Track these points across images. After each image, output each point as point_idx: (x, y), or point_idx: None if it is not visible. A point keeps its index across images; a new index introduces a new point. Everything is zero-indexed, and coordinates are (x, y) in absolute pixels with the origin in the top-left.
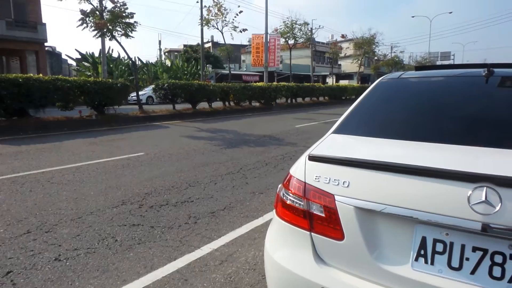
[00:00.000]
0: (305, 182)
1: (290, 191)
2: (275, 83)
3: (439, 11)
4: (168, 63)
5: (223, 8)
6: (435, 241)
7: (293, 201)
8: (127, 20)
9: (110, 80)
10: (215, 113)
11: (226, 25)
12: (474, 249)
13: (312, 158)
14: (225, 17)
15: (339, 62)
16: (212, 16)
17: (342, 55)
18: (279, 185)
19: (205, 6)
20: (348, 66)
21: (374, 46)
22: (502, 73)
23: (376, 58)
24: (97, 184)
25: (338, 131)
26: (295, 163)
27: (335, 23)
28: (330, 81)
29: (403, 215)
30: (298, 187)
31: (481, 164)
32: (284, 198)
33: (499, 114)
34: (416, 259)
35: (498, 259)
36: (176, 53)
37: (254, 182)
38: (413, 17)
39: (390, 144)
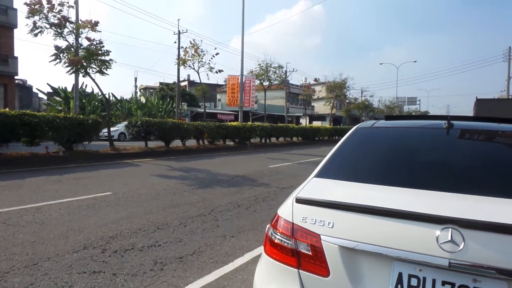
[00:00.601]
0: (293, 223)
1: (278, 231)
2: (249, 122)
3: (405, 59)
4: (143, 100)
5: (200, 50)
6: (410, 276)
7: (281, 240)
8: (103, 58)
9: (81, 116)
10: (188, 152)
11: (203, 66)
12: (444, 283)
13: (299, 200)
14: (202, 58)
15: (312, 104)
16: (188, 56)
17: (315, 97)
18: (268, 225)
19: (182, 47)
20: (321, 107)
21: (345, 90)
22: (460, 126)
23: (347, 101)
24: (58, 226)
25: (320, 175)
26: (283, 204)
27: (309, 67)
28: (304, 122)
29: (382, 254)
30: (286, 227)
31: (446, 207)
32: (272, 237)
33: (459, 162)
34: None
35: None
36: (151, 90)
37: (225, 225)
38: (381, 64)
39: (367, 188)
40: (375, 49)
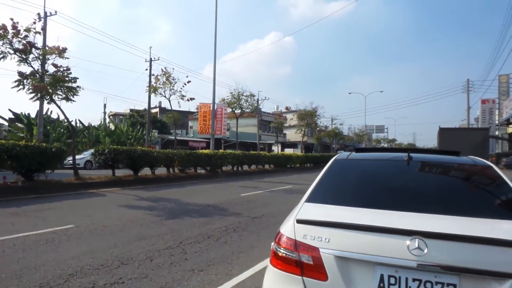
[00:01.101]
0: (295, 240)
1: (281, 246)
2: (221, 150)
3: (372, 89)
4: (112, 126)
5: (172, 78)
6: (389, 276)
7: (285, 253)
8: (70, 85)
9: (44, 144)
10: (158, 180)
11: (174, 94)
12: (414, 280)
13: (300, 221)
14: (173, 86)
15: (284, 132)
16: (160, 84)
17: (287, 125)
18: (272, 243)
19: (153, 74)
20: (292, 135)
21: (316, 118)
22: (417, 158)
23: (318, 129)
24: (12, 264)
25: (310, 200)
26: (284, 223)
27: (280, 95)
28: (276, 149)
29: (368, 260)
30: (289, 243)
31: (412, 223)
32: (277, 251)
33: (418, 188)
34: None
35: (429, 285)
36: (121, 117)
37: (194, 258)
38: (350, 93)
39: (351, 210)
40: (344, 79)
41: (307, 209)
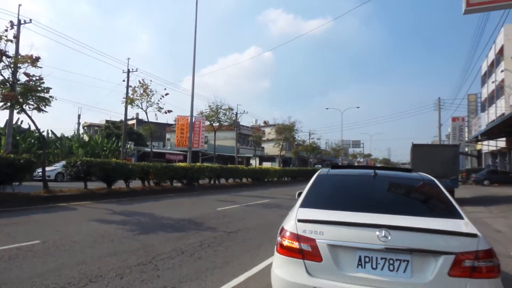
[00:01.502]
0: (297, 234)
1: (286, 239)
2: (198, 163)
3: (349, 104)
4: (86, 138)
5: (149, 90)
6: (365, 257)
7: (290, 244)
8: (42, 95)
9: (12, 155)
10: (132, 194)
11: (151, 106)
12: (381, 258)
13: (300, 220)
14: (150, 98)
15: (262, 145)
16: (137, 96)
17: (265, 138)
18: (278, 237)
19: (131, 86)
20: (270, 149)
21: (294, 133)
22: (381, 174)
23: (296, 143)
24: None
25: (303, 206)
26: (286, 220)
27: (259, 108)
28: (254, 163)
29: (350, 246)
30: (292, 236)
31: (380, 220)
32: (283, 242)
33: (382, 196)
34: (357, 267)
35: (391, 261)
36: (96, 128)
37: (166, 275)
38: (327, 108)
39: (335, 212)
40: (321, 94)
41: (303, 212)
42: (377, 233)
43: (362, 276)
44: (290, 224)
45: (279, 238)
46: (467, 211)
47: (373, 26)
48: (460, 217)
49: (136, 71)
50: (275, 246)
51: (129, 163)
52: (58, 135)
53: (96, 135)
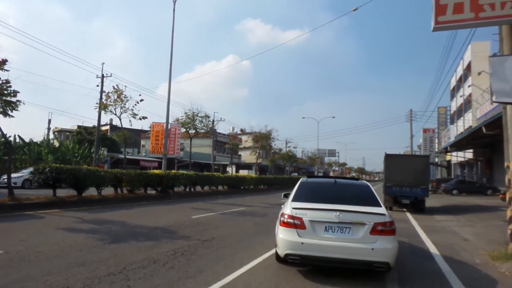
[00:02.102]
0: (292, 215)
1: (285, 217)
2: (173, 170)
3: (325, 114)
4: (56, 143)
5: (124, 96)
6: (328, 226)
7: (288, 221)
8: (8, 99)
9: None
10: (104, 201)
11: (125, 112)
12: (337, 227)
13: (294, 208)
14: (125, 104)
15: (239, 153)
16: (110, 101)
17: (242, 146)
18: (280, 218)
19: (104, 91)
20: (247, 157)
21: (270, 141)
22: (339, 181)
23: (272, 151)
24: None
25: (293, 200)
26: (284, 208)
27: (237, 116)
28: (231, 170)
29: (321, 221)
30: (289, 217)
31: (336, 207)
32: (283, 220)
33: (341, 195)
34: (324, 231)
35: (342, 228)
36: (68, 133)
37: (137, 285)
38: (303, 118)
39: (312, 203)
40: (298, 103)
41: (294, 203)
42: (334, 214)
43: (327, 236)
44: (288, 210)
45: (281, 218)
46: (437, 219)
47: (349, 40)
48: (380, 206)
49: (111, 76)
50: (278, 221)
51: (102, 170)
52: (27, 140)
53: (67, 141)
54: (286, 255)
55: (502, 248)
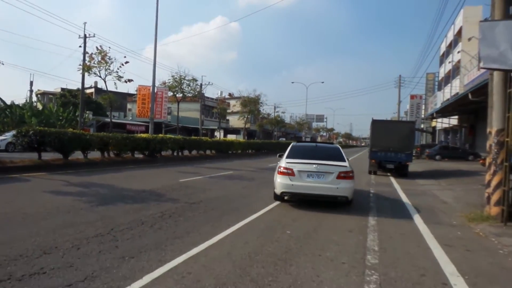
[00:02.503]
0: (286, 167)
1: (281, 168)
2: (161, 135)
3: (314, 79)
4: (39, 106)
5: (108, 57)
6: (310, 174)
7: (283, 170)
8: None
9: None
10: (91, 165)
11: (110, 74)
12: (315, 174)
13: (287, 162)
14: (109, 66)
15: (227, 118)
16: (94, 63)
17: (230, 111)
18: (277, 169)
19: (87, 52)
20: (235, 121)
21: (259, 106)
22: (319, 145)
23: (261, 116)
24: None
25: (287, 157)
26: (281, 162)
27: (225, 80)
28: (219, 135)
29: (305, 170)
30: (284, 168)
31: (317, 161)
32: (280, 170)
33: (319, 154)
34: (307, 177)
35: (319, 175)
36: (51, 96)
37: (125, 245)
38: (292, 82)
39: (300, 159)
40: (287, 68)
41: (287, 159)
42: (314, 166)
43: (308, 180)
44: (283, 164)
45: (278, 169)
46: (419, 184)
47: (340, 3)
48: (344, 161)
49: (94, 36)
50: (276, 172)
51: (87, 133)
52: (8, 102)
53: (50, 104)
54: (282, 192)
55: (479, 211)
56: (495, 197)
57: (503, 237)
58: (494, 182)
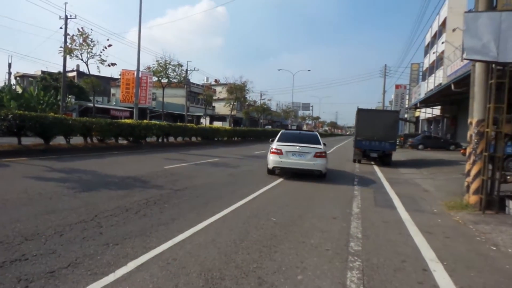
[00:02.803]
0: (277, 148)
1: (273, 149)
2: (146, 120)
3: (300, 67)
4: (19, 89)
5: (90, 40)
6: (294, 153)
7: (275, 150)
8: None
9: None
10: (73, 150)
11: (92, 57)
12: (298, 154)
13: (278, 144)
14: (91, 48)
15: (213, 104)
16: (76, 45)
17: (216, 97)
18: (270, 149)
19: (69, 34)
20: (221, 108)
21: (245, 93)
22: (302, 132)
23: (247, 103)
24: None
25: (278, 141)
26: (273, 145)
27: (211, 66)
28: (204, 122)
29: (291, 150)
30: (275, 148)
31: (299, 144)
32: (272, 150)
33: (302, 139)
34: (292, 156)
35: (301, 154)
36: (31, 79)
37: (109, 232)
38: (279, 70)
39: (288, 143)
40: (274, 55)
41: (278, 143)
42: (297, 148)
43: (293, 157)
44: (274, 145)
45: (271, 150)
46: (402, 172)
47: None
48: (320, 144)
49: (75, 17)
50: (269, 152)
51: (69, 118)
52: None
53: (31, 87)
54: (273, 167)
55: (458, 199)
56: (474, 186)
57: (480, 224)
58: (473, 172)
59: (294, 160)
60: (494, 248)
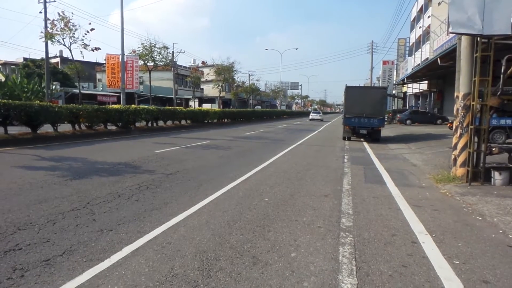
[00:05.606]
0: (311, 113)
1: (311, 115)
2: (134, 105)
3: (288, 46)
4: (1, 77)
5: (71, 24)
6: (315, 114)
7: (310, 116)
8: None
9: None
10: (61, 138)
11: (75, 42)
12: (317, 113)
13: (311, 114)
14: (73, 33)
15: (201, 87)
16: (57, 30)
17: (204, 79)
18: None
19: (49, 19)
20: (210, 90)
21: (233, 74)
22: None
23: (235, 84)
24: None
25: (311, 113)
26: (311, 114)
27: (198, 48)
28: (193, 104)
29: (314, 114)
30: (311, 115)
31: (317, 113)
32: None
33: (316, 111)
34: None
35: (317, 113)
36: (13, 66)
37: (103, 218)
38: (266, 49)
39: (313, 113)
40: (261, 34)
41: (312, 112)
42: (317, 114)
43: (313, 114)
44: (310, 116)
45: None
46: (391, 148)
47: None
48: (320, 113)
49: (55, 1)
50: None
51: (56, 105)
52: None
53: (13, 75)
54: (310, 119)
55: (446, 172)
56: (461, 159)
57: (467, 196)
58: (460, 145)
59: (315, 117)
60: (480, 219)
